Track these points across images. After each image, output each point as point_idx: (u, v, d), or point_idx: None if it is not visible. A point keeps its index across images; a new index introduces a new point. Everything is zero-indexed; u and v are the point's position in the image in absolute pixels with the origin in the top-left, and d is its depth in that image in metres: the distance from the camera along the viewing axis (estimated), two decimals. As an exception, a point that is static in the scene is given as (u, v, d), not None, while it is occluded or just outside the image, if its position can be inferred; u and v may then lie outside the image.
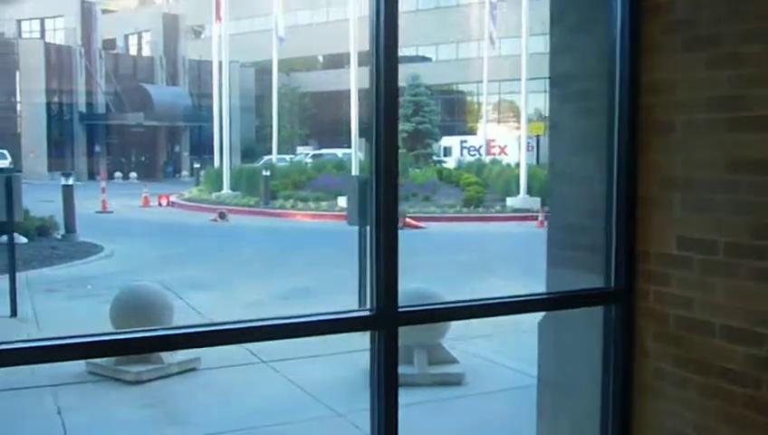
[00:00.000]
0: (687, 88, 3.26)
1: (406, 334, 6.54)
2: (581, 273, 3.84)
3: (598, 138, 3.72)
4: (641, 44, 3.45)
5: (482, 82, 48.40)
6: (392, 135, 3.02)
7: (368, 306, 3.09)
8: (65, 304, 10.44)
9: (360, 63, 25.89)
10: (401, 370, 3.11)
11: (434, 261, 13.68)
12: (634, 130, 3.46)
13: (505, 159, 36.90)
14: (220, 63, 31.25)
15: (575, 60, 3.90)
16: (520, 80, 49.63)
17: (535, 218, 21.93)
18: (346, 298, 10.42)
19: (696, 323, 3.25)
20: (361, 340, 3.30)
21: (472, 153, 43.64)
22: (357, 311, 3.65)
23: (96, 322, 8.11)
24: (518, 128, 53.32)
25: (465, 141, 46.54)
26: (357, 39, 25.30)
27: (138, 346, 3.03)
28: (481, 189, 25.29)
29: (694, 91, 3.24)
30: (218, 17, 30.55)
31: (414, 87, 32.72)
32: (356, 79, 25.10)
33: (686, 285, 3.28)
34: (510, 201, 24.62)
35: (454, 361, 6.97)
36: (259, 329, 2.91)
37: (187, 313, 9.18)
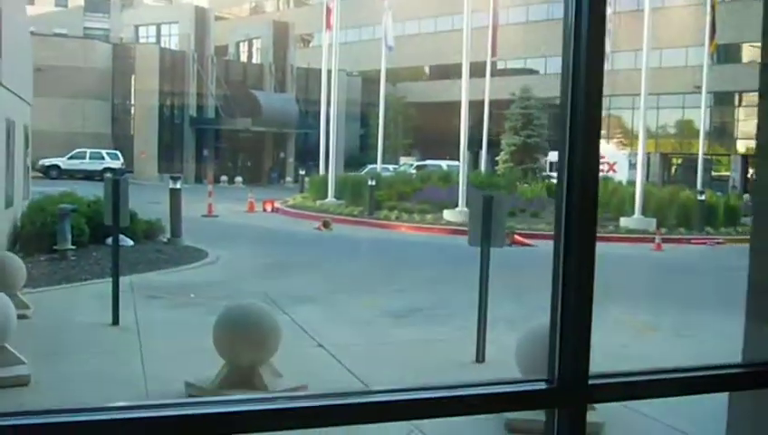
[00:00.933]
0: None
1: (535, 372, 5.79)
2: None
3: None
4: None
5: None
6: (592, 157, 2.34)
7: (547, 376, 2.41)
8: (168, 313, 10.12)
9: (473, 75, 25.27)
10: None
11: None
12: None
13: (615, 177, 35.45)
14: (329, 72, 31.10)
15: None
16: (630, 95, 48.39)
17: (652, 241, 20.72)
18: (463, 323, 9.76)
19: None
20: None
21: (578, 169, 42.23)
22: (531, 382, 2.91)
23: (198, 336, 7.71)
24: (625, 145, 51.83)
25: (573, 157, 45.17)
26: (469, 50, 24.59)
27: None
28: (593, 208, 24.12)
29: None
30: (329, 25, 30.41)
31: (524, 99, 31.77)
32: (467, 90, 24.39)
33: None
34: (624, 221, 23.40)
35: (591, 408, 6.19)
36: (410, 404, 2.17)
37: (293, 330, 8.67)
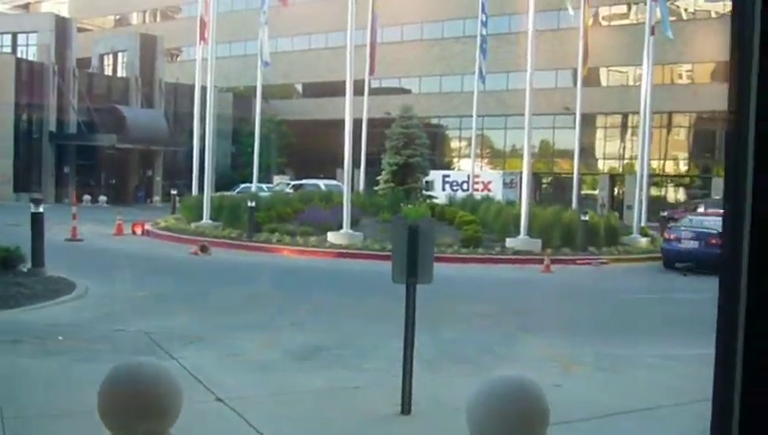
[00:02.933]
0: None
1: None
2: None
3: None
4: None
5: (463, 116, 47.56)
6: None
7: None
8: (35, 362, 8.69)
9: (355, 93, 24.54)
10: None
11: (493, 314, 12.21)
12: None
13: (487, 196, 35.66)
14: (203, 88, 29.66)
15: None
16: (502, 116, 49.26)
17: (540, 262, 20.55)
18: (374, 365, 8.85)
19: None
20: None
21: (454, 188, 42.45)
22: None
23: (75, 392, 6.46)
24: (493, 165, 52.66)
25: (448, 176, 45.39)
26: (352, 67, 23.84)
27: None
28: (479, 229, 23.86)
29: None
30: (203, 38, 28.98)
31: (405, 119, 31.28)
32: (350, 107, 23.61)
33: None
34: (510, 242, 23.21)
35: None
36: None
37: (184, 380, 7.50)
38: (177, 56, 63.25)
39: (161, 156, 48.36)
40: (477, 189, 41.08)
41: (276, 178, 48.79)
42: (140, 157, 47.74)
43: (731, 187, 1.49)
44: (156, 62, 49.53)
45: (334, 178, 44.80)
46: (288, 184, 40.22)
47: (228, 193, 34.09)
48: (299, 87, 63.44)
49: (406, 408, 6.94)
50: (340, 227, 23.29)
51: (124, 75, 50.02)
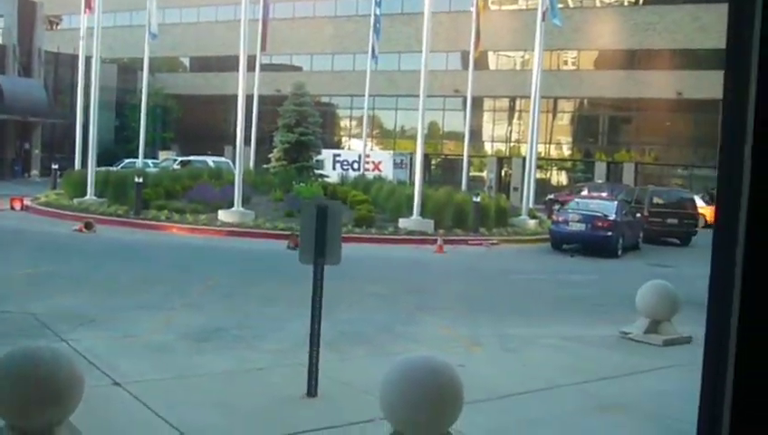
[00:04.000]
0: None
1: (407, 420, 4.92)
2: None
3: None
4: None
5: (355, 95, 47.50)
6: None
7: None
8: None
9: (249, 68, 24.04)
10: None
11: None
12: None
13: (379, 176, 35.83)
14: (87, 58, 28.39)
15: None
16: (392, 96, 49.44)
17: (433, 242, 20.79)
18: (275, 346, 8.70)
19: None
20: None
21: (345, 168, 42.44)
22: None
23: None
24: (384, 145, 52.85)
25: (339, 155, 45.28)
26: (246, 42, 23.31)
27: None
28: (372, 209, 23.92)
29: None
30: (89, 7, 27.67)
31: (298, 96, 30.92)
32: (243, 84, 23.12)
33: None
34: (403, 222, 23.36)
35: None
36: None
37: (79, 364, 7.14)
38: (58, 24, 60.35)
39: (40, 128, 46.07)
40: (368, 169, 41.20)
41: (162, 154, 47.39)
42: (17, 129, 45.31)
43: (725, 177, 1.47)
44: (35, 30, 47.00)
45: (223, 155, 43.88)
46: (175, 160, 39.12)
47: (113, 168, 32.87)
48: (186, 61, 61.75)
49: (312, 390, 6.85)
50: (231, 204, 22.85)
51: (0, 43, 47.27)
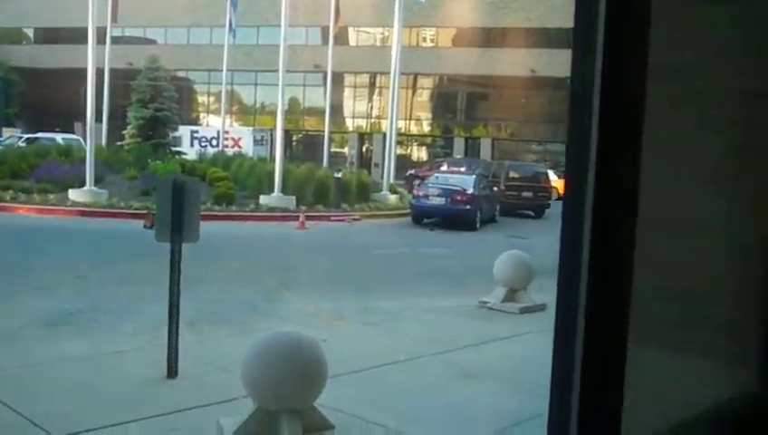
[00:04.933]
0: None
1: (271, 395, 4.91)
2: (701, 361, 2.62)
3: (746, 169, 2.52)
4: None
5: (212, 70, 46.42)
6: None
7: None
8: None
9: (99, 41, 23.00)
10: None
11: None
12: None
13: (239, 153, 35.34)
14: None
15: (711, 45, 2.67)
16: (252, 71, 48.65)
17: (295, 219, 20.72)
18: (133, 329, 8.44)
19: None
20: None
21: (203, 144, 41.57)
22: None
23: None
24: (243, 122, 52.01)
25: (197, 132, 44.29)
26: (95, 14, 22.26)
27: None
28: (231, 186, 23.54)
29: None
30: None
31: (152, 70, 29.91)
32: (93, 56, 22.09)
33: None
34: (264, 199, 23.14)
35: (329, 426, 5.43)
36: None
37: None
38: None
39: None
40: (228, 146, 40.56)
41: (6, 131, 44.78)
42: None
43: (573, 152, 1.52)
44: None
45: (73, 131, 41.88)
46: (20, 138, 37.03)
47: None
48: (30, 32, 58.35)
49: (172, 371, 6.70)
50: (83, 183, 21.90)
51: None
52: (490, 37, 46.78)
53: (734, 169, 2.57)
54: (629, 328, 2.56)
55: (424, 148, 51.49)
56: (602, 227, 1.49)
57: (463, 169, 29.09)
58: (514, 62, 44.46)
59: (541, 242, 15.12)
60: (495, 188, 25.85)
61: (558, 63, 37.21)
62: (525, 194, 27.38)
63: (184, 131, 38.36)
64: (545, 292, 9.54)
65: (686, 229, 2.63)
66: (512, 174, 28.44)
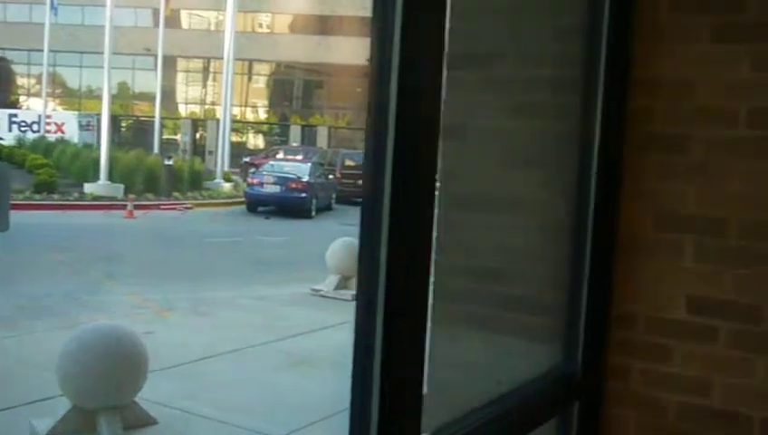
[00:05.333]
0: (717, 93, 2.35)
1: (87, 392, 4.71)
2: (509, 340, 2.72)
3: (546, 152, 2.65)
4: (634, 22, 2.45)
5: (32, 50, 43.83)
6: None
7: None
8: None
9: None
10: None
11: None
12: (616, 145, 2.44)
13: (62, 138, 33.65)
14: None
15: (507, 33, 2.76)
16: (77, 52, 46.27)
17: (123, 208, 19.93)
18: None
19: (720, 415, 2.36)
20: None
21: (23, 129, 39.22)
22: None
23: None
24: (67, 106, 49.36)
25: (16, 115, 41.74)
26: None
27: None
28: (53, 173, 22.32)
29: (729, 98, 2.33)
30: None
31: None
32: None
33: (702, 362, 2.38)
34: (89, 187, 22.11)
35: (151, 421, 5.24)
36: None
37: None
38: None
39: None
40: (50, 131, 38.51)
41: None
42: None
43: (372, 139, 1.52)
44: None
45: None
46: None
47: None
48: None
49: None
50: None
51: None
52: (327, 25, 46.85)
53: (538, 152, 2.70)
54: (439, 309, 2.63)
55: (260, 135, 50.93)
56: (400, 211, 1.50)
57: (299, 157, 29.02)
58: (351, 51, 44.76)
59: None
60: (331, 176, 25.97)
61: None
62: (361, 182, 27.60)
63: (2, 115, 36.08)
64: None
65: (489, 211, 2.74)
66: (347, 162, 28.65)
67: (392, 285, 1.48)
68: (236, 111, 40.34)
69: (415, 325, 1.55)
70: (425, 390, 2.72)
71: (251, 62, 47.01)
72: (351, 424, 1.54)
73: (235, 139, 38.32)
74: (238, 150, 40.14)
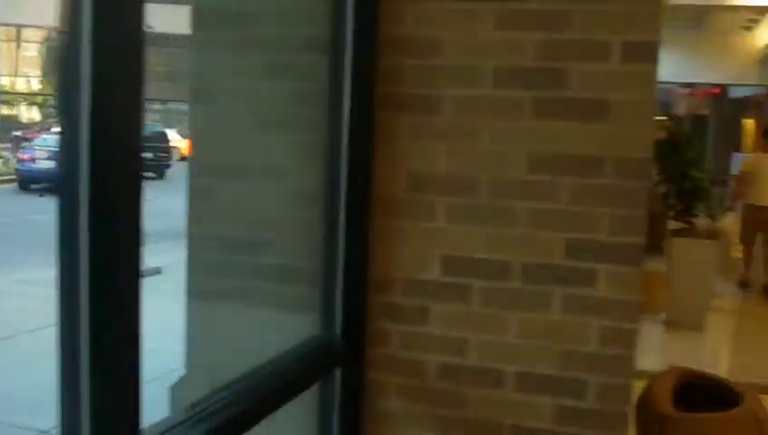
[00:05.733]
0: (464, 52, 2.35)
1: None
2: (267, 310, 2.60)
3: (299, 115, 2.54)
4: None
5: None
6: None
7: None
8: None
9: None
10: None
11: None
12: (368, 106, 2.39)
13: None
14: None
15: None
16: None
17: None
18: None
19: (477, 372, 2.40)
20: None
21: None
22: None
23: None
24: None
25: None
26: None
27: None
28: None
29: (476, 58, 2.34)
30: None
31: None
32: None
33: (459, 321, 2.40)
34: None
35: None
36: None
37: None
38: None
39: None
40: None
41: None
42: None
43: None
44: None
45: None
46: None
47: None
48: None
49: None
50: None
51: None
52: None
53: (290, 115, 2.59)
54: (194, 284, 2.46)
55: (35, 107, 47.46)
56: (102, 180, 1.33)
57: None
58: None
59: (162, 203, 14.71)
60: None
61: (181, 19, 36.42)
62: (145, 155, 26.49)
63: None
64: (167, 254, 9.29)
65: (242, 177, 2.61)
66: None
67: (96, 274, 1.31)
68: (5, 80, 37.28)
69: (124, 312, 1.39)
70: (182, 372, 2.56)
71: (18, 27, 43.47)
72: (61, 420, 1.37)
73: (6, 111, 35.41)
74: (10, 124, 37.18)
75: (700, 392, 2.76)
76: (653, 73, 2.20)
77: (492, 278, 2.34)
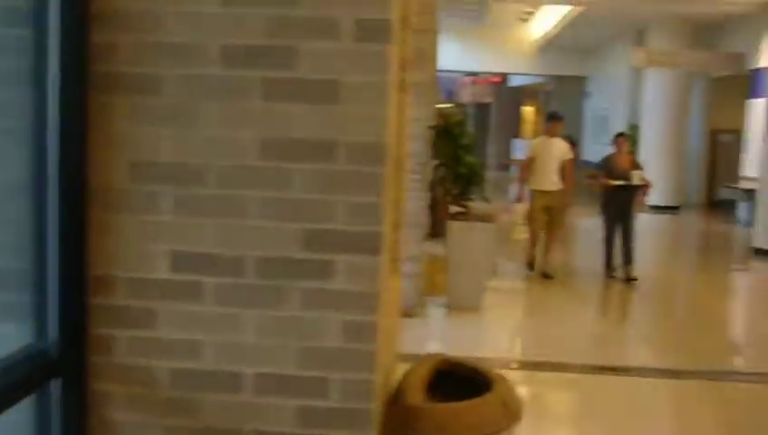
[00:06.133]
0: (187, 28, 2.13)
1: None
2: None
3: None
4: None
5: None
6: None
7: None
8: None
9: None
10: None
11: None
12: (78, 86, 2.12)
13: None
14: None
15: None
16: None
17: None
18: None
19: (212, 376, 2.21)
20: None
21: None
22: None
23: None
24: None
25: None
26: None
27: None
28: None
29: (200, 34, 2.13)
30: None
31: None
32: None
33: (191, 322, 2.19)
34: None
35: None
36: None
37: None
38: None
39: None
40: None
41: None
42: None
43: None
44: None
45: None
46: None
47: None
48: None
49: None
50: None
51: None
52: None
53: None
54: None
55: None
56: None
57: None
58: None
59: None
60: None
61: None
62: None
63: None
64: None
65: None
66: None
67: None
68: None
69: None
70: None
71: None
72: None
73: None
74: None
75: (456, 380, 2.74)
76: (388, 54, 2.10)
77: (225, 274, 2.16)
